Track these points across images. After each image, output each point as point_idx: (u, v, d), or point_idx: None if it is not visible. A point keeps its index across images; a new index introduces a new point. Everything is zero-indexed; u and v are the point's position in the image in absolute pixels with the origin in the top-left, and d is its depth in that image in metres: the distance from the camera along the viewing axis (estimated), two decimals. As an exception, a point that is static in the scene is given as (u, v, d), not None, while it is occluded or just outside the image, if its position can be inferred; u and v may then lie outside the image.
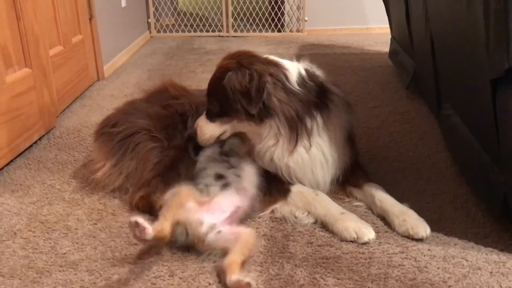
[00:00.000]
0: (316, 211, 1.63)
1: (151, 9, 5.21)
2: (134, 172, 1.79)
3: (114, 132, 1.86)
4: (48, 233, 1.62)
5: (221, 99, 1.68)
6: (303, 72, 1.72)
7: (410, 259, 1.44)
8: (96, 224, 1.67)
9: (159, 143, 1.82)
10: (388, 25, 3.77)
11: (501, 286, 1.32)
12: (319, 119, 1.67)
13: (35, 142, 2.35)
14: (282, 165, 1.68)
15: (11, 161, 2.14)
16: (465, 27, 1.62)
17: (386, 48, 3.98)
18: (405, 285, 1.33)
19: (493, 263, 1.42)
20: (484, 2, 1.34)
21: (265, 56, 1.75)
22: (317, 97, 1.69)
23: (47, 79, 2.53)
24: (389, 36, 3.76)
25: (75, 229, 1.64)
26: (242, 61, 1.68)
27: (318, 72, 1.79)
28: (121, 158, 1.81)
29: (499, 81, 1.36)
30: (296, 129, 1.64)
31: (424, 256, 1.45)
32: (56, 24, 2.81)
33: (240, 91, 1.62)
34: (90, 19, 3.37)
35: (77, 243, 1.56)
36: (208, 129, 1.73)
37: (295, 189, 1.69)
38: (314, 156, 1.69)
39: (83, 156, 2.22)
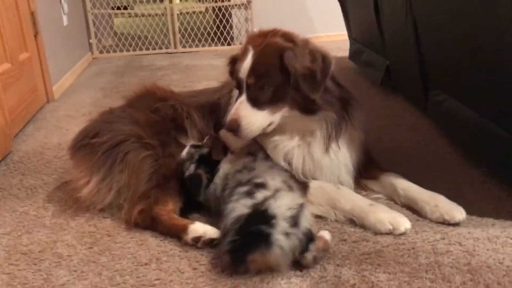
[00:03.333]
0: (341, 206, 1.48)
1: (92, 29, 4.93)
2: (126, 186, 1.57)
3: (97, 143, 1.63)
4: (35, 264, 1.36)
5: (277, 82, 1.44)
6: None
7: (454, 244, 1.34)
8: (92, 248, 1.43)
9: (152, 150, 1.61)
10: (337, 33, 3.79)
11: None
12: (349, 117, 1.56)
13: (-7, 169, 2.05)
14: (299, 165, 1.54)
15: (-31, 191, 1.84)
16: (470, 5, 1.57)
17: (340, 53, 3.97)
18: (462, 271, 1.22)
19: (539, 238, 1.34)
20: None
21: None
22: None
23: (-1, 99, 2.23)
24: (339, 43, 3.78)
25: (68, 256, 1.39)
26: (293, 38, 1.48)
27: None
28: (109, 171, 1.59)
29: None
30: (340, 124, 1.52)
31: (468, 239, 1.36)
32: (2, 38, 2.52)
33: (303, 73, 1.42)
34: (35, 36, 3.08)
35: (76, 271, 1.31)
36: (257, 119, 1.44)
37: (315, 184, 1.54)
38: (336, 158, 1.56)
39: (54, 178, 1.95)
